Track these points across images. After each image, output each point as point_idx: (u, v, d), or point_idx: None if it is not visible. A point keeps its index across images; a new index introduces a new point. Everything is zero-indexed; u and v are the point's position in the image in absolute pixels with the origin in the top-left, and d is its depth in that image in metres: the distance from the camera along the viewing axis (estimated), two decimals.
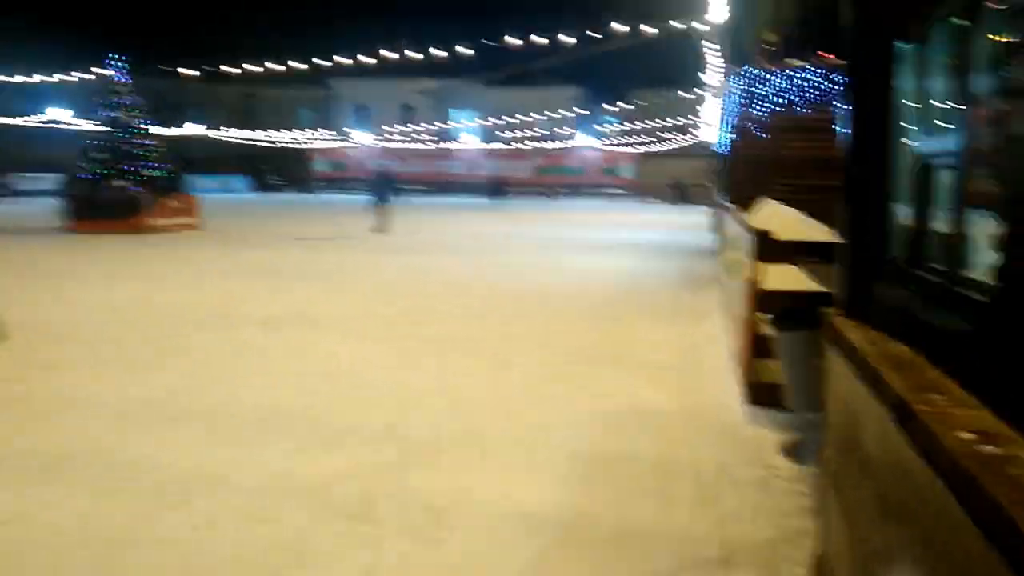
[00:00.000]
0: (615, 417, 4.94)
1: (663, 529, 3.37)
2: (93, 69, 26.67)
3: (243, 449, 4.27)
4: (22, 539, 3.22)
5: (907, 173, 2.80)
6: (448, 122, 50.03)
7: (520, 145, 49.34)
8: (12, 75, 33.09)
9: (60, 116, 41.01)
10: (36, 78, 33.07)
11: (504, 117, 46.69)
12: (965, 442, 1.27)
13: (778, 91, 12.79)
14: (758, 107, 13.02)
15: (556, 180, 48.37)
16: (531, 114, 46.70)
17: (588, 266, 13.15)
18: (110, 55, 19.99)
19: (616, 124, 49.63)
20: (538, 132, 48.45)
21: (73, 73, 31.35)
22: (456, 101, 52.27)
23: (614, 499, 3.68)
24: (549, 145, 48.72)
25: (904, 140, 2.82)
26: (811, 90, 12.52)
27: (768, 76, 12.94)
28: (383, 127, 50.36)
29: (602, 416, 4.94)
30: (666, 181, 41.52)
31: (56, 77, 32.58)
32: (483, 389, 5.53)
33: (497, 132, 49.28)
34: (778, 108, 12.77)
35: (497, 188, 36.10)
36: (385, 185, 19.16)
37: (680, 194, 38.71)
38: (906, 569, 1.48)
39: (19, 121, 39.52)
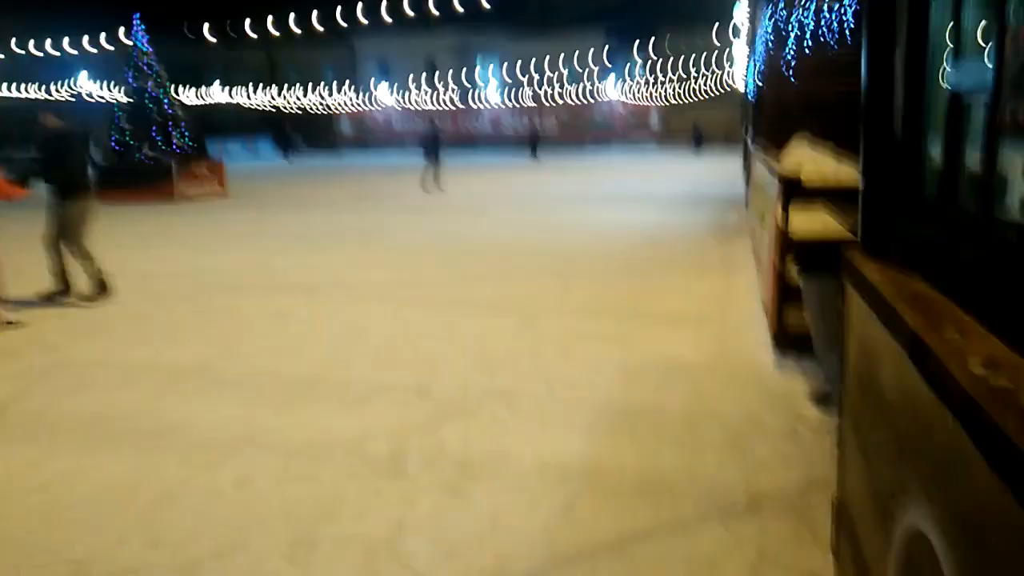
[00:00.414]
0: (643, 369, 4.95)
1: (690, 477, 3.40)
2: (115, 38, 26.72)
3: (279, 411, 4.37)
4: (73, 496, 3.36)
5: (936, 106, 2.71)
6: (472, 77, 49.48)
7: (547, 98, 48.63)
8: (36, 45, 33.22)
9: (85, 85, 41.15)
10: (56, 49, 33.15)
11: (530, 69, 45.93)
12: (977, 375, 1.26)
13: (810, 26, 12.38)
14: (788, 44, 12.63)
15: (583, 133, 47.81)
16: (557, 64, 45.94)
17: (618, 219, 13.05)
18: (133, 19, 19.90)
19: (642, 73, 48.64)
20: (565, 85, 47.69)
21: (95, 41, 31.32)
22: (480, 54, 51.58)
23: (641, 449, 3.71)
24: (575, 99, 47.94)
25: (940, 71, 2.72)
26: (845, 25, 12.09)
27: (800, 9, 12.50)
28: (407, 85, 49.95)
29: (630, 369, 4.96)
30: (690, 129, 40.75)
31: (77, 48, 32.60)
32: (512, 345, 5.57)
33: (523, 85, 48.63)
34: (811, 45, 12.36)
35: (535, 143, 35.77)
36: (434, 144, 19.08)
37: (699, 141, 37.96)
38: (920, 508, 1.48)
39: (42, 95, 39.78)
